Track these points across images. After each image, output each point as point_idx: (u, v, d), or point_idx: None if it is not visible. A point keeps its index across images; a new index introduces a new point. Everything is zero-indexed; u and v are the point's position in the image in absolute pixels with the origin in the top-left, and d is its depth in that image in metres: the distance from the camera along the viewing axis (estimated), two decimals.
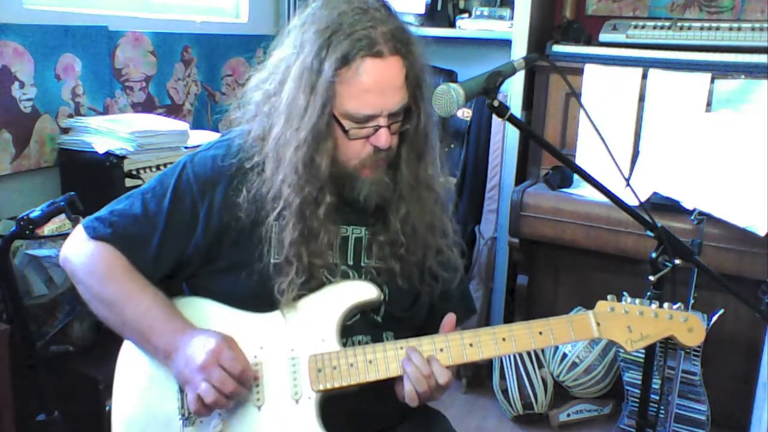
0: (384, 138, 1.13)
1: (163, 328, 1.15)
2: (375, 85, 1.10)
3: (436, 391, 1.13)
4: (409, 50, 1.14)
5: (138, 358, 1.22)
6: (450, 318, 1.20)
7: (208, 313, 1.20)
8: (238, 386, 1.09)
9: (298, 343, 1.16)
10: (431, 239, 1.25)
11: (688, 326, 1.18)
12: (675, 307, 1.19)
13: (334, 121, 1.12)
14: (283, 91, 1.14)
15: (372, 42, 1.09)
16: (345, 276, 1.20)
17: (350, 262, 1.22)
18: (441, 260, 1.27)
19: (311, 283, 1.17)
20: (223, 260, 1.21)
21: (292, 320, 1.17)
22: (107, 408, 1.25)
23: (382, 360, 1.14)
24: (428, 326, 1.32)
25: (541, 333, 1.16)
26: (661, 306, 1.19)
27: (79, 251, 1.22)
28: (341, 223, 1.22)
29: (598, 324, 1.17)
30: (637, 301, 1.19)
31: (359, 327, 1.21)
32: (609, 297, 1.20)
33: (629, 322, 1.17)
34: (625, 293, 1.21)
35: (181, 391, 1.17)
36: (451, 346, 1.15)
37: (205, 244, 1.20)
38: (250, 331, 1.17)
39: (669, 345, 2.14)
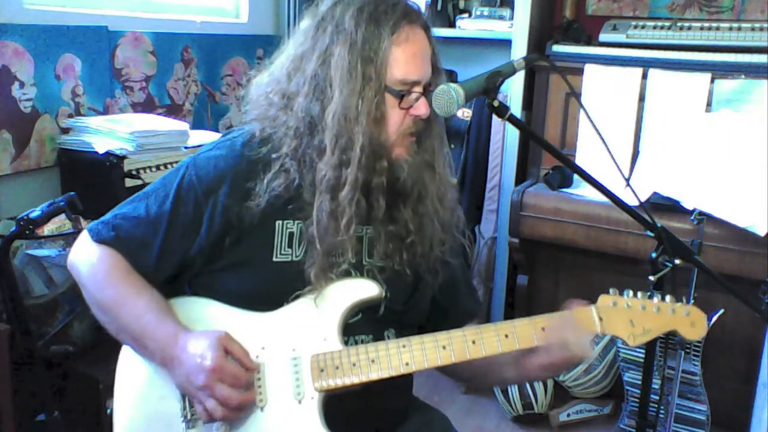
0: (425, 106, 1.17)
1: (154, 334, 1.14)
2: (419, 50, 1.17)
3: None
4: (429, 26, 1.21)
5: (138, 359, 1.21)
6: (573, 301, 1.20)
7: (209, 313, 1.20)
8: (245, 395, 1.10)
9: (300, 343, 1.16)
10: (443, 216, 1.25)
11: (690, 320, 1.17)
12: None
13: (387, 91, 1.15)
14: (329, 72, 1.15)
15: (409, 12, 1.17)
16: (347, 274, 1.20)
17: (352, 261, 1.22)
18: (445, 249, 1.28)
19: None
20: (225, 259, 1.20)
21: (294, 319, 1.17)
22: (108, 411, 1.25)
23: (384, 358, 1.14)
24: (432, 322, 1.32)
25: (543, 329, 1.16)
26: (663, 300, 1.18)
27: (84, 256, 1.22)
28: None
29: (600, 318, 1.16)
30: (639, 294, 1.18)
31: (361, 325, 1.21)
32: (611, 291, 1.18)
33: (631, 317, 1.16)
34: (627, 290, 1.21)
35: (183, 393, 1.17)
36: (454, 343, 1.15)
37: (208, 245, 1.19)
38: (252, 331, 1.17)
39: (669, 345, 2.14)
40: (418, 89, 1.17)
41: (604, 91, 2.52)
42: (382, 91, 1.14)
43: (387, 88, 1.14)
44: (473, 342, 1.15)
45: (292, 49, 1.21)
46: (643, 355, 1.34)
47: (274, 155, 1.18)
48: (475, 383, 1.26)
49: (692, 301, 1.19)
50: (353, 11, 1.14)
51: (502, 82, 1.19)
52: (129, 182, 2.02)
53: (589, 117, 1.26)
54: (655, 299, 1.18)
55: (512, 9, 2.73)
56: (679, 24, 2.55)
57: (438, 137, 1.26)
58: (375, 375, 1.13)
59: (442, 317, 1.33)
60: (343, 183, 1.14)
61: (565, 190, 2.54)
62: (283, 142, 1.18)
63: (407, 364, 1.14)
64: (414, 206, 1.22)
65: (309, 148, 1.17)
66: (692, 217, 2.16)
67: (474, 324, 1.35)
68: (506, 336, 1.15)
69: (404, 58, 1.14)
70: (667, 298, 1.19)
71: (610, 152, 1.26)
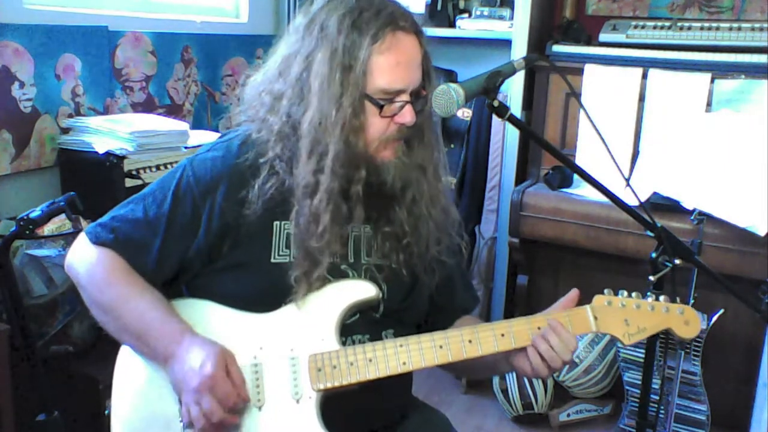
0: (410, 114, 1.16)
1: (158, 333, 1.15)
2: (405, 57, 1.15)
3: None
4: (422, 30, 1.19)
5: (137, 359, 1.22)
6: (573, 293, 1.21)
7: (208, 315, 1.20)
8: (228, 416, 1.09)
9: (298, 343, 1.16)
10: (436, 218, 1.25)
11: (684, 319, 1.18)
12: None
13: (367, 100, 1.14)
14: (309, 78, 1.14)
15: (396, 18, 1.14)
16: (344, 275, 1.20)
17: (351, 260, 1.22)
18: (441, 248, 1.28)
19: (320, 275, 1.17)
20: (224, 260, 1.21)
21: (292, 320, 1.17)
22: (107, 411, 1.25)
23: (382, 358, 1.14)
24: (429, 321, 1.33)
25: (539, 328, 1.16)
26: (657, 299, 1.19)
27: (82, 258, 1.22)
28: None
29: (595, 318, 1.18)
30: (634, 294, 1.20)
31: (359, 326, 1.21)
32: (606, 291, 1.20)
33: (626, 316, 1.18)
34: (621, 290, 1.22)
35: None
36: (451, 343, 1.15)
37: (206, 246, 1.20)
38: (250, 331, 1.17)
39: (669, 345, 2.14)
40: (404, 97, 1.15)
41: (604, 91, 2.52)
42: (362, 100, 1.13)
43: (367, 97, 1.13)
44: (470, 341, 1.15)
45: (284, 48, 1.22)
46: (643, 355, 1.35)
47: (261, 160, 1.18)
48: (471, 376, 1.26)
49: (692, 301, 1.20)
50: (338, 17, 1.13)
51: (502, 82, 1.19)
52: (129, 182, 2.02)
53: (589, 117, 1.26)
54: (650, 299, 1.19)
55: (512, 9, 2.73)
56: (679, 24, 2.55)
57: (431, 140, 1.25)
58: (372, 375, 1.14)
59: (436, 313, 1.34)
60: (319, 190, 1.14)
61: (565, 190, 2.54)
62: (269, 145, 1.19)
63: (404, 363, 1.14)
64: (408, 208, 1.22)
65: (291, 151, 1.17)
66: (692, 217, 2.16)
67: (468, 318, 1.37)
68: (503, 335, 1.16)
69: (387, 67, 1.13)
70: (661, 297, 1.20)
71: (610, 152, 1.26)
